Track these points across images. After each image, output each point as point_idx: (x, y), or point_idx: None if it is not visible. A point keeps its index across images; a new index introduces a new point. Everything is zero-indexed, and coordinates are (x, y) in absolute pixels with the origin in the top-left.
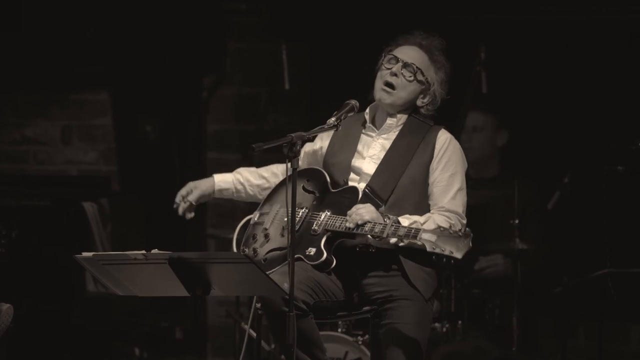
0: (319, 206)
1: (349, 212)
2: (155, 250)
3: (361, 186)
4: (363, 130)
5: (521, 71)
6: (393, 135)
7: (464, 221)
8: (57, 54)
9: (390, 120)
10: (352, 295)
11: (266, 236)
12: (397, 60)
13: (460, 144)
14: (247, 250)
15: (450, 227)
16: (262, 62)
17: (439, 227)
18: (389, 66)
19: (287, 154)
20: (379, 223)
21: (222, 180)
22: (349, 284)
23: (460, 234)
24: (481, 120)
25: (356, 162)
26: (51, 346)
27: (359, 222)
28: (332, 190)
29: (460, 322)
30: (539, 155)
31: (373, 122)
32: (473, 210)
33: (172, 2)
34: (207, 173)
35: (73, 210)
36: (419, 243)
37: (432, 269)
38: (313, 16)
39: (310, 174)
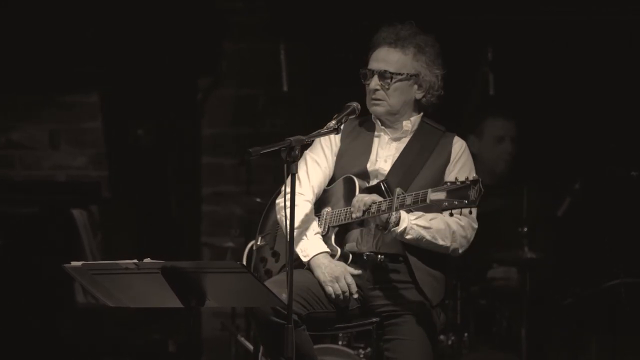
0: (315, 210)
1: (352, 202)
2: (147, 260)
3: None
4: (375, 134)
5: (525, 73)
6: (406, 139)
7: (476, 225)
8: (45, 55)
9: (406, 125)
10: (353, 306)
11: (274, 254)
12: (371, 73)
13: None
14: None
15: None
16: (260, 63)
17: (446, 182)
18: (367, 81)
19: (285, 159)
20: (384, 200)
21: (318, 243)
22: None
23: (467, 182)
24: (505, 128)
25: (372, 166)
26: None
27: (364, 208)
28: (324, 189)
29: (466, 334)
30: (548, 160)
31: (385, 125)
32: (482, 218)
33: (169, 1)
34: (202, 178)
35: (61, 217)
36: (425, 228)
37: (442, 273)
38: (313, 16)
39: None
